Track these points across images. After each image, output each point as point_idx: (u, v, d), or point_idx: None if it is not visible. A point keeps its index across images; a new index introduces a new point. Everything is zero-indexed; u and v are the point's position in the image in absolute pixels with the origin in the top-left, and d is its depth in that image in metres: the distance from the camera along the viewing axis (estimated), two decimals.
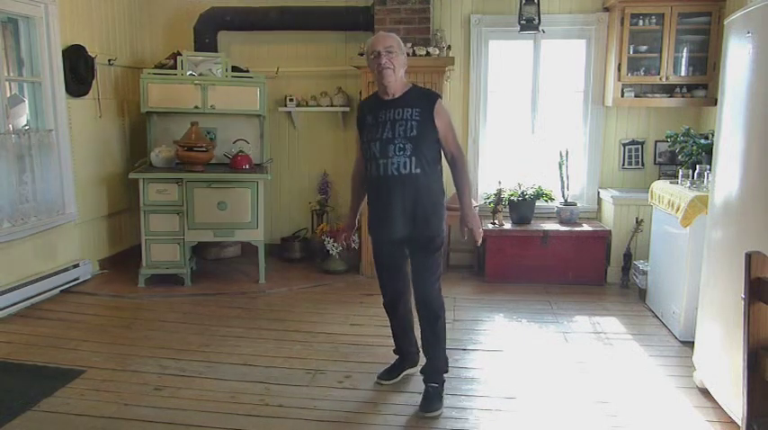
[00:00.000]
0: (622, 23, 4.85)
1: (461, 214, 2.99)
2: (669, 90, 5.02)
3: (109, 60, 5.12)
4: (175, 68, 5.08)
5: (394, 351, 3.35)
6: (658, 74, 4.88)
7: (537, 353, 3.70)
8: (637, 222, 4.93)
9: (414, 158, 2.81)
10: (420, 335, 3.12)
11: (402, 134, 2.81)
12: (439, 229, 2.94)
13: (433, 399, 2.97)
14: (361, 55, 4.68)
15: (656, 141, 5.29)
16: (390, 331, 3.32)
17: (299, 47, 5.65)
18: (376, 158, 2.86)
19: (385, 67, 2.81)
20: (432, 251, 2.95)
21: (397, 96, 2.89)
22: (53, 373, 3.28)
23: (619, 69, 4.92)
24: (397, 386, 3.21)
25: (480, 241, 3.03)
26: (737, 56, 2.85)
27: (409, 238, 2.94)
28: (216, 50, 5.42)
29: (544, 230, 5.04)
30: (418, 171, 2.83)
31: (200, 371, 3.37)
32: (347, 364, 3.47)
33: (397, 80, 2.88)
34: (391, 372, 3.27)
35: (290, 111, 5.63)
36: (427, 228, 2.91)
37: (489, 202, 5.29)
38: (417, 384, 3.15)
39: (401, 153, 2.81)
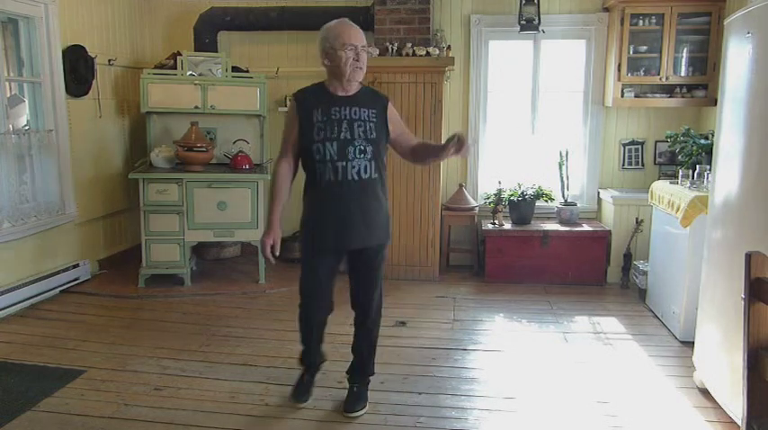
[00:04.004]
0: (622, 23, 4.84)
1: (443, 145, 2.64)
2: (669, 90, 5.02)
3: (109, 60, 5.12)
4: (175, 68, 5.08)
5: (305, 367, 3.12)
6: (658, 74, 4.87)
7: (537, 353, 3.70)
8: (637, 222, 4.93)
9: (373, 162, 2.65)
10: (355, 344, 3.04)
11: (362, 135, 2.64)
12: (388, 238, 2.86)
13: (360, 398, 2.96)
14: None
15: (656, 141, 5.29)
16: (321, 343, 3.13)
17: (299, 47, 5.64)
18: (332, 161, 2.61)
19: (361, 66, 2.66)
20: (381, 260, 2.85)
21: (350, 94, 2.70)
22: (53, 373, 3.28)
23: (619, 69, 4.92)
24: (396, 386, 3.20)
25: (465, 146, 2.57)
26: (737, 56, 2.85)
27: (361, 249, 2.77)
28: (216, 50, 5.43)
29: (544, 230, 5.04)
30: (376, 176, 2.69)
31: (200, 371, 3.37)
32: (347, 364, 3.44)
33: None
34: (308, 389, 3.08)
35: None
36: (380, 237, 2.78)
37: (489, 202, 5.29)
38: (418, 385, 3.17)
39: (362, 156, 2.63)
